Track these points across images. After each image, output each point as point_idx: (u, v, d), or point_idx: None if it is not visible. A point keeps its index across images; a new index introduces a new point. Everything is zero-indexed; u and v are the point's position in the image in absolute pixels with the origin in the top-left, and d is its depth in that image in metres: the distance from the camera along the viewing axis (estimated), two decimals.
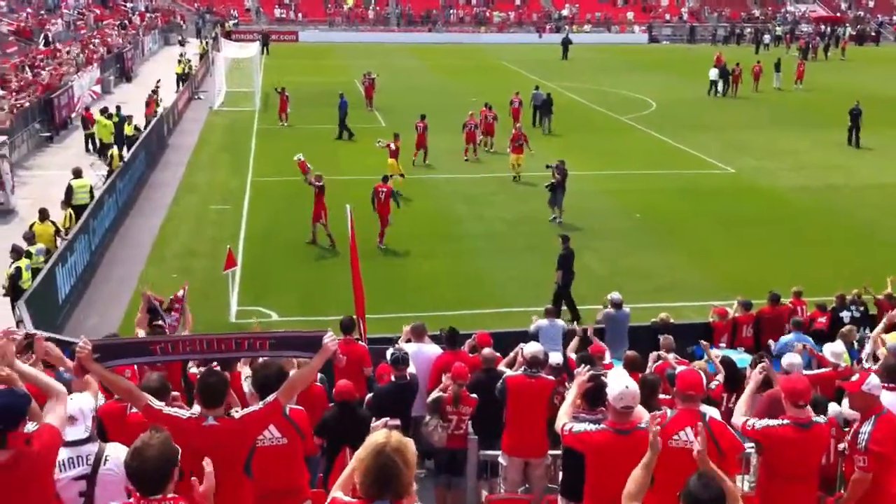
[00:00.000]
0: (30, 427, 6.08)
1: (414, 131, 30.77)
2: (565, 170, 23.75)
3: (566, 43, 65.80)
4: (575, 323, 15.87)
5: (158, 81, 38.68)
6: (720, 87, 48.06)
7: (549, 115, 37.02)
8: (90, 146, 31.60)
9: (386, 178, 22.59)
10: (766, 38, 74.03)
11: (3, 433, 5.47)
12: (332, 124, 35.76)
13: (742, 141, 35.56)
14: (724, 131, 37.61)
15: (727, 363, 10.59)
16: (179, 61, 47.83)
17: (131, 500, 5.03)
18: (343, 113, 35.08)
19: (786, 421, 6.94)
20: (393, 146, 26.64)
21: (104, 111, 31.32)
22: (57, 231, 18.77)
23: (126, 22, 62.14)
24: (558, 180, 23.61)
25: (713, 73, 48.41)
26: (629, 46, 74.44)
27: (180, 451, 5.12)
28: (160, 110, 34.30)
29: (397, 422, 5.67)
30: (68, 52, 43.74)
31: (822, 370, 10.94)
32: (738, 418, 7.35)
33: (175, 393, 7.46)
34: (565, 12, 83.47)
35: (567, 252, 17.78)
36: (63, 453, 6.02)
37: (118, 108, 31.89)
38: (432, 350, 11.41)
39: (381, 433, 4.48)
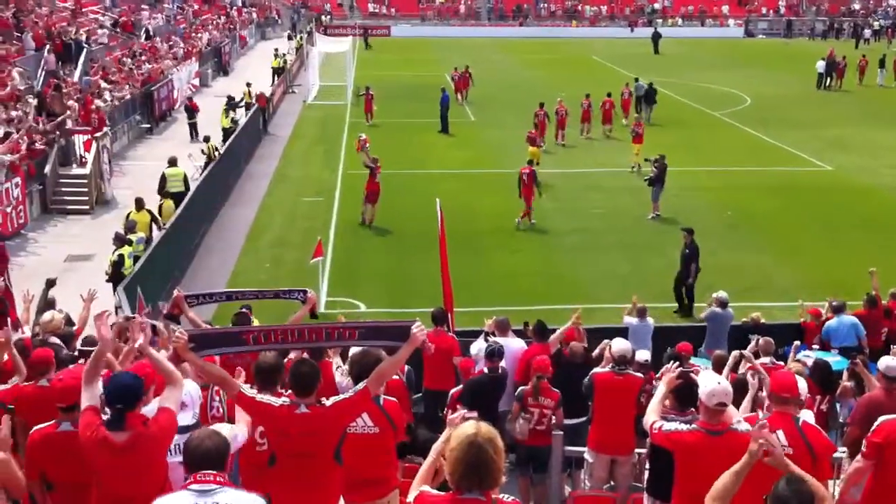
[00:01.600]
0: (146, 409, 6.35)
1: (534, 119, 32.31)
2: (664, 164, 23.59)
3: (656, 37, 64.89)
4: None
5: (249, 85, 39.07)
6: (827, 80, 47.29)
7: (652, 105, 37.34)
8: (193, 134, 32.55)
9: (531, 162, 23.92)
10: (867, 32, 71.71)
11: (121, 413, 5.70)
12: (422, 118, 35.99)
13: (841, 138, 34.58)
14: (821, 128, 36.61)
15: (821, 366, 10.28)
16: (275, 56, 48.68)
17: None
18: (444, 108, 35.31)
19: (694, 426, 6.58)
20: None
21: (230, 102, 33.09)
22: (153, 220, 19.35)
23: (224, 16, 63.46)
24: (656, 174, 23.49)
25: (820, 66, 47.49)
26: (724, 40, 72.87)
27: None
28: (253, 104, 34.97)
29: (474, 414, 5.71)
30: (170, 46, 44.89)
31: None
32: (648, 417, 6.93)
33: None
34: (658, 6, 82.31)
35: (693, 245, 17.81)
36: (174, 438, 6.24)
37: (231, 102, 33.40)
38: (516, 344, 11.42)
39: (470, 424, 4.49)
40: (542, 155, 28.02)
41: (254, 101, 35.60)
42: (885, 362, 8.85)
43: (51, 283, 12.86)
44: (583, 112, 33.84)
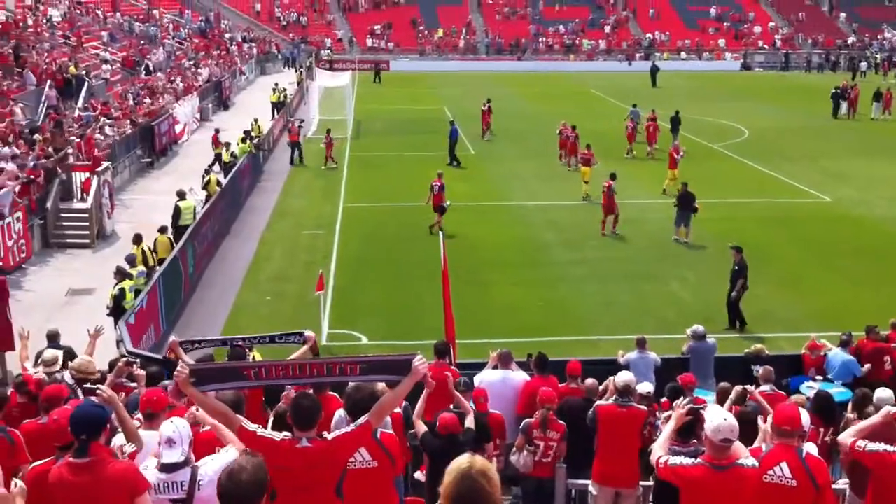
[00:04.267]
0: (127, 448, 6.36)
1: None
2: (683, 193, 24.73)
3: (654, 71, 65.45)
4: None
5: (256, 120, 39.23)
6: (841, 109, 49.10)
7: (677, 132, 38.21)
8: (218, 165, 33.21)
9: (613, 176, 25.64)
10: (863, 65, 72.27)
11: (86, 443, 5.75)
12: (421, 151, 36.12)
13: (838, 170, 34.74)
14: (818, 159, 36.79)
15: (822, 397, 10.23)
16: (274, 90, 49.03)
17: None
18: (453, 141, 35.48)
19: (699, 460, 6.56)
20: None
21: (247, 134, 34.02)
22: (145, 257, 19.11)
23: (224, 51, 63.95)
24: (679, 200, 24.79)
25: (834, 96, 49.33)
26: (721, 74, 73.45)
27: (269, 478, 5.19)
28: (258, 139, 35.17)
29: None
30: (171, 82, 45.18)
31: None
32: (655, 452, 6.93)
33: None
34: (655, 40, 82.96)
35: (742, 262, 18.30)
36: (160, 476, 6.19)
37: (248, 132, 34.31)
38: (519, 377, 11.39)
39: (464, 458, 4.47)
40: (592, 173, 29.34)
41: (262, 134, 36.24)
42: (878, 394, 8.91)
43: (52, 337, 12.75)
44: (627, 134, 37.50)
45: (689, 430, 7.44)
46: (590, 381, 10.46)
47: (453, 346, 13.47)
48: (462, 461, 4.38)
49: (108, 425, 6.18)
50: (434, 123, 45.13)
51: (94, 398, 6.93)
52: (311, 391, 7.23)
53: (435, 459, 8.34)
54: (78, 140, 27.11)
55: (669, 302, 19.08)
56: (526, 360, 12.39)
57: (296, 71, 64.43)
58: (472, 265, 21.82)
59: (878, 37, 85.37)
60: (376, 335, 17.98)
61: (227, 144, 32.50)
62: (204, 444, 7.03)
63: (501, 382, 11.10)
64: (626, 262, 22.88)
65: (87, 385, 9.02)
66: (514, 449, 9.72)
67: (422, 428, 8.66)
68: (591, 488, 9.25)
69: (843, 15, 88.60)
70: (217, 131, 35.19)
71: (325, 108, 46.78)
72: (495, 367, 11.53)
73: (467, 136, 39.26)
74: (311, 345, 9.73)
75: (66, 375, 9.41)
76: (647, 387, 10.50)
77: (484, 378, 11.10)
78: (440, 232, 20.17)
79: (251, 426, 6.21)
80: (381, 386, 7.19)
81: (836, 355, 13.83)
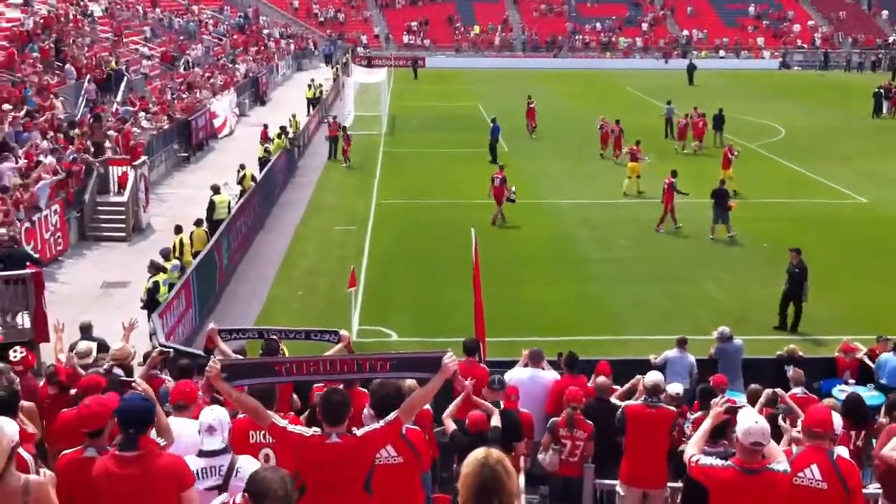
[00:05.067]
0: (159, 441, 6.44)
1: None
2: (717, 189, 24.89)
3: (691, 69, 64.96)
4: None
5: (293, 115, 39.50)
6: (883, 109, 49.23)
7: (721, 130, 38.45)
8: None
9: (674, 173, 25.89)
10: None
11: (134, 436, 5.82)
12: (456, 147, 36.15)
13: (875, 170, 34.29)
14: (855, 160, 36.32)
15: (853, 399, 10.09)
16: (310, 86, 49.27)
17: None
18: (494, 138, 35.37)
19: (729, 463, 6.51)
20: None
21: (282, 130, 34.02)
22: (181, 247, 19.36)
23: (262, 47, 64.35)
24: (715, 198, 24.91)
25: (876, 94, 49.45)
26: (758, 72, 72.65)
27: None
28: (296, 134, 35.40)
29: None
30: (209, 77, 45.55)
31: None
32: (688, 450, 6.94)
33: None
34: (692, 38, 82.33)
35: (801, 264, 18.28)
36: (199, 462, 6.29)
37: (283, 128, 34.37)
38: (549, 375, 11.37)
39: (481, 450, 4.54)
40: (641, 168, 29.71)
41: (300, 130, 36.60)
42: None
43: (85, 329, 12.96)
44: (679, 129, 38.24)
45: (721, 431, 7.40)
46: (601, 379, 10.39)
47: (483, 343, 13.50)
48: (478, 453, 4.53)
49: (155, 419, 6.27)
50: (468, 120, 45.15)
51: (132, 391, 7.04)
52: (341, 387, 7.29)
53: (463, 457, 8.36)
54: (116, 134, 27.41)
55: (705, 303, 18.92)
56: (557, 360, 12.38)
57: (332, 67, 64.68)
58: (504, 262, 21.79)
59: None
60: (406, 332, 18.01)
61: (281, 134, 33.21)
62: (239, 432, 7.14)
63: (531, 381, 11.09)
64: (661, 262, 22.76)
65: (123, 378, 9.14)
66: (541, 447, 9.72)
67: (451, 426, 8.68)
68: (618, 489, 9.22)
69: (884, 13, 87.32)
70: (266, 126, 35.53)
71: (360, 104, 46.93)
72: (525, 366, 11.51)
73: (503, 134, 39.19)
74: (346, 344, 9.83)
75: (108, 365, 9.51)
76: (676, 387, 10.44)
77: (513, 376, 11.09)
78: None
79: (281, 422, 6.24)
80: (409, 382, 7.23)
81: (889, 359, 13.44)
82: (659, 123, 40.85)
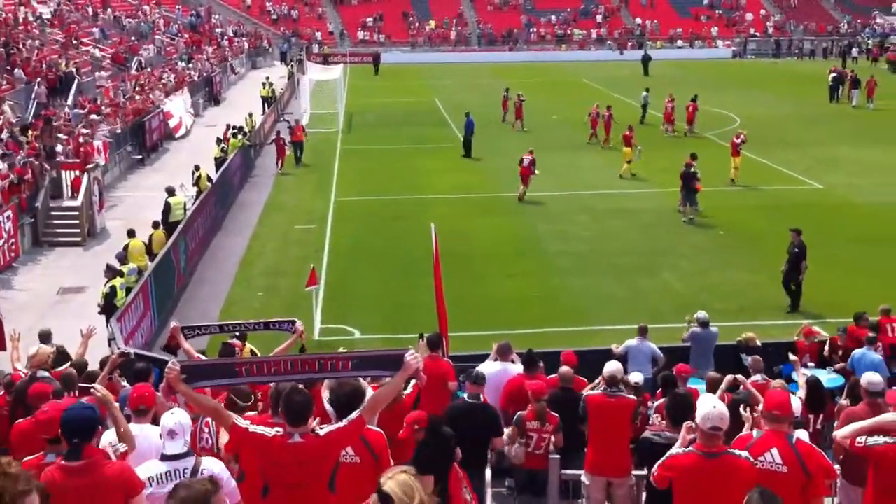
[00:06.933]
0: (119, 447, 6.36)
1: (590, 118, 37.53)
2: (684, 172, 25.32)
3: (646, 60, 65.33)
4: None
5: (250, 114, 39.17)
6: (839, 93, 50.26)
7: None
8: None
9: (694, 156, 26.21)
10: (854, 51, 72.18)
11: (78, 446, 5.74)
12: (413, 143, 36.05)
13: (829, 157, 34.73)
14: (810, 147, 36.75)
15: (811, 383, 10.20)
16: (264, 85, 48.92)
17: None
18: (469, 132, 35.21)
19: (690, 449, 6.63)
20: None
21: (239, 129, 33.90)
22: (148, 249, 19.25)
23: (215, 47, 63.73)
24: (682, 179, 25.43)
25: (831, 80, 50.46)
26: (712, 62, 73.25)
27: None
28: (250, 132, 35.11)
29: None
30: (161, 78, 45.05)
31: None
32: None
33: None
34: (646, 28, 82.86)
35: (801, 244, 18.70)
36: (161, 467, 6.22)
37: (241, 128, 34.17)
38: (517, 370, 11.34)
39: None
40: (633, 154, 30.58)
41: (255, 129, 36.10)
42: (867, 378, 8.84)
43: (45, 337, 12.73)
44: (665, 114, 39.62)
45: (682, 416, 7.45)
46: (564, 368, 10.40)
47: (446, 338, 13.47)
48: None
49: (100, 426, 6.19)
50: (426, 115, 45.11)
51: (86, 399, 6.94)
52: (302, 386, 7.23)
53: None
54: (67, 138, 27.02)
55: (662, 292, 19.04)
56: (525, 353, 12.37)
57: (286, 65, 64.23)
58: (464, 257, 21.76)
59: (871, 22, 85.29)
60: (370, 329, 17.96)
61: (218, 139, 32.59)
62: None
63: (499, 374, 11.07)
64: (621, 254, 22.89)
65: (82, 384, 9.01)
66: (507, 440, 9.72)
67: None
68: (583, 478, 9.26)
69: (833, 1, 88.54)
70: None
71: (316, 101, 46.70)
72: (495, 360, 11.48)
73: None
74: (299, 335, 9.93)
75: (41, 373, 9.36)
76: (637, 377, 10.51)
77: (484, 370, 11.06)
78: (431, 224, 19.98)
79: (243, 423, 6.23)
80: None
81: (865, 354, 12.73)
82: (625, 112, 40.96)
